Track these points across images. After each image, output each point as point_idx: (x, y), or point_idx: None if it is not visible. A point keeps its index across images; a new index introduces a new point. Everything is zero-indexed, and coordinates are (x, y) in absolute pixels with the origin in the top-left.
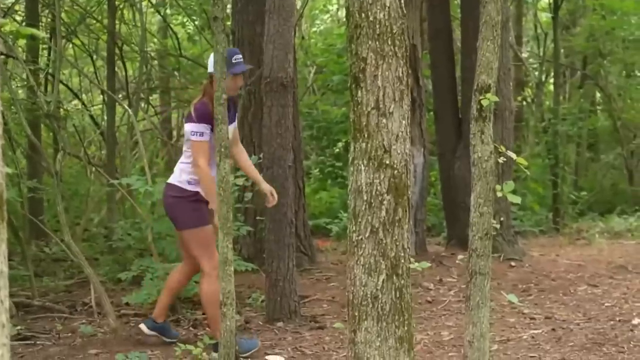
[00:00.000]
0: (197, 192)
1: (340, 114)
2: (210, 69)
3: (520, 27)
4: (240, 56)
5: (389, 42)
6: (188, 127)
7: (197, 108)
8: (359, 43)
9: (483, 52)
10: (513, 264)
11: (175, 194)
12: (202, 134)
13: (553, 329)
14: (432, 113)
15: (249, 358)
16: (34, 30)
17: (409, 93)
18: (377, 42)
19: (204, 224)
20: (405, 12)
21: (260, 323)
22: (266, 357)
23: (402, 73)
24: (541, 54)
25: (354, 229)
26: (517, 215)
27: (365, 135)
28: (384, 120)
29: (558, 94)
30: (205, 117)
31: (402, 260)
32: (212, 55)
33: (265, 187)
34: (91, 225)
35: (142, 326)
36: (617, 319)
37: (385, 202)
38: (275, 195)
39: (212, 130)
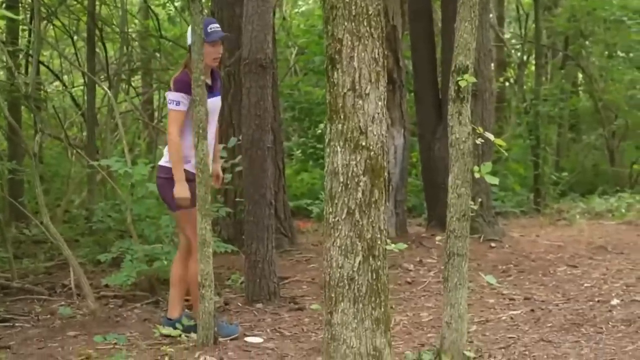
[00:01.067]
0: (186, 171)
1: (322, 95)
2: (189, 41)
3: (502, 7)
4: (217, 25)
5: (365, 24)
6: (168, 97)
7: (177, 78)
8: (335, 24)
9: (461, 33)
10: (493, 244)
11: (163, 175)
12: (178, 103)
13: (532, 310)
14: (412, 94)
15: (227, 340)
16: (8, 14)
17: (385, 74)
18: (353, 24)
19: (194, 205)
20: None
21: (240, 304)
22: (245, 338)
23: (379, 54)
24: (523, 34)
25: (330, 210)
26: (498, 196)
27: (342, 117)
28: (360, 102)
29: (540, 75)
30: (183, 86)
31: (379, 242)
32: (189, 28)
33: (216, 167)
34: (72, 206)
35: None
36: (596, 299)
37: (361, 183)
38: (220, 180)
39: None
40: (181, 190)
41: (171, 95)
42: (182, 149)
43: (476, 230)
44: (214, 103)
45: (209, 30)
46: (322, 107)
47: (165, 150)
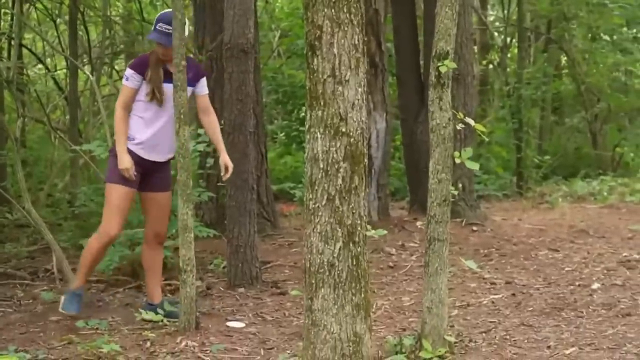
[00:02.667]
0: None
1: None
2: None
3: None
4: (165, 25)
5: (345, 10)
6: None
7: (138, 57)
8: (315, 10)
9: (441, 18)
10: (475, 228)
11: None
12: (127, 79)
13: (513, 294)
14: (395, 78)
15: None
16: None
17: (365, 61)
18: (332, 10)
19: (114, 181)
20: None
21: (222, 289)
22: (227, 323)
23: (358, 40)
24: (506, 17)
25: (310, 197)
26: (481, 179)
27: (322, 104)
28: (340, 88)
29: (522, 58)
30: (137, 65)
31: (359, 228)
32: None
33: (224, 158)
34: (55, 190)
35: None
36: (577, 283)
37: (341, 170)
38: (230, 169)
39: (144, 79)
40: (123, 161)
41: (126, 71)
42: (125, 123)
43: (458, 214)
44: (171, 89)
45: (158, 28)
46: (305, 90)
47: None
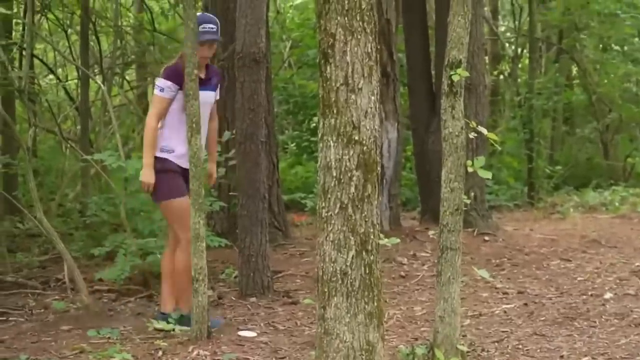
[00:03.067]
0: (166, 160)
1: (316, 89)
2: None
3: (497, 1)
4: (211, 25)
5: (358, 18)
6: (156, 83)
7: (168, 66)
8: (328, 19)
9: (454, 27)
10: (487, 238)
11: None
12: (162, 89)
13: (525, 304)
14: (406, 87)
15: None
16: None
17: (378, 69)
18: (345, 18)
19: (178, 195)
20: None
21: (233, 298)
22: (239, 332)
23: (371, 49)
24: (517, 28)
25: (323, 205)
26: (492, 190)
27: (334, 112)
28: (353, 96)
29: (534, 68)
30: (172, 74)
31: (372, 236)
32: None
33: (211, 168)
34: (66, 200)
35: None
36: (589, 293)
37: (354, 178)
38: (213, 180)
39: (180, 89)
40: (146, 174)
41: (158, 81)
42: (157, 135)
43: (470, 224)
44: (204, 96)
45: (201, 29)
46: (316, 100)
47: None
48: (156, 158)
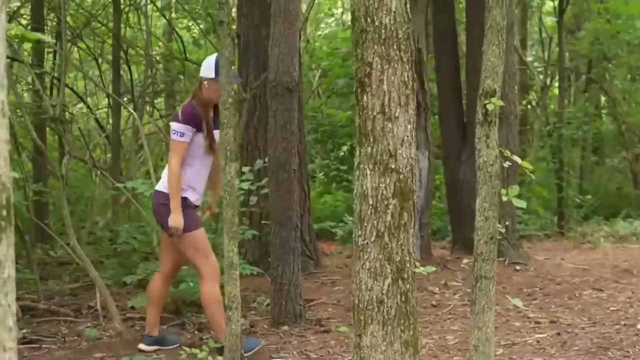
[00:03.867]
0: (186, 198)
1: (345, 118)
2: (202, 73)
3: (525, 30)
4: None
5: (395, 47)
6: (172, 127)
7: (184, 109)
8: (365, 48)
9: (488, 56)
10: (518, 267)
11: (164, 201)
12: (182, 135)
13: (558, 333)
14: (437, 116)
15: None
16: (39, 35)
17: (414, 97)
18: (382, 47)
19: (195, 228)
20: (410, 16)
21: (266, 327)
22: None
23: (408, 77)
24: (546, 57)
25: (359, 233)
26: (522, 219)
27: (371, 140)
28: (390, 125)
29: (563, 98)
30: (190, 118)
31: (408, 265)
32: (206, 59)
33: (212, 202)
34: (96, 228)
35: (142, 346)
36: (622, 323)
37: (390, 206)
38: (209, 214)
39: (197, 131)
40: (176, 220)
41: (176, 126)
42: (181, 179)
43: (501, 254)
44: (215, 135)
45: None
46: (345, 129)
47: (163, 174)
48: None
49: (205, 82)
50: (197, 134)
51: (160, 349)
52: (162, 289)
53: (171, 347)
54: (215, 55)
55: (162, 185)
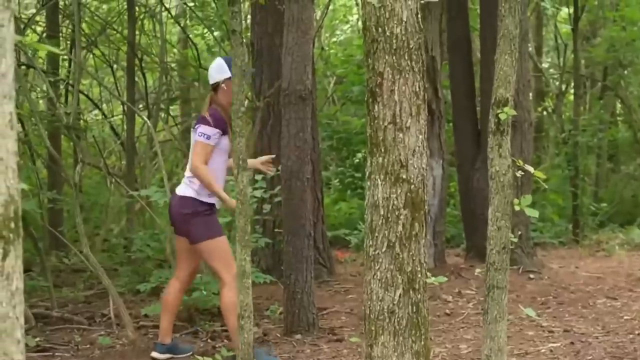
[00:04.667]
0: (213, 205)
1: (360, 125)
2: (215, 78)
3: (541, 37)
4: None
5: (406, 57)
6: (200, 130)
7: (213, 114)
8: (376, 58)
9: (501, 65)
10: (532, 276)
11: (187, 210)
12: (209, 137)
13: (572, 343)
14: (451, 124)
15: None
16: (49, 47)
17: (425, 107)
18: (394, 57)
19: (218, 235)
20: (422, 26)
21: (279, 335)
22: None
23: (419, 88)
24: (561, 64)
25: (370, 243)
26: (536, 227)
27: (382, 150)
28: (401, 135)
29: (578, 105)
30: (219, 123)
31: (419, 275)
32: (212, 66)
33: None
34: (111, 235)
35: (154, 354)
36: (636, 332)
37: (402, 216)
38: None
39: (223, 134)
40: (229, 202)
41: (206, 129)
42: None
43: (515, 262)
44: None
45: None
46: (360, 136)
47: (185, 181)
48: (199, 201)
49: (222, 85)
50: (223, 137)
51: (173, 357)
52: (177, 296)
53: (183, 355)
54: (218, 58)
55: (186, 190)
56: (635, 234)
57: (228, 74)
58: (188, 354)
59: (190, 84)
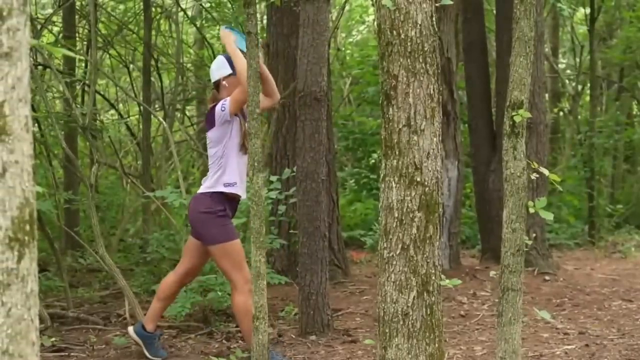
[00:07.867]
0: (229, 203)
1: (376, 126)
2: (216, 76)
3: (557, 38)
4: None
5: (421, 60)
6: (217, 110)
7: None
8: (391, 60)
9: (516, 68)
10: (547, 278)
11: (203, 208)
12: (224, 108)
13: (586, 345)
14: (466, 125)
15: None
16: (63, 50)
17: (440, 110)
18: (408, 60)
19: (232, 239)
20: (436, 29)
21: (293, 336)
22: None
23: (434, 90)
24: (577, 65)
25: (385, 245)
26: (552, 228)
27: (397, 153)
28: (415, 138)
29: (594, 106)
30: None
31: (433, 277)
32: (213, 63)
33: None
34: (127, 236)
35: (130, 328)
36: None
37: (416, 219)
38: None
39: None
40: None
41: (223, 103)
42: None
43: (530, 263)
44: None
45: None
46: (375, 137)
47: (205, 180)
48: (214, 197)
49: (224, 82)
50: (234, 120)
51: (141, 348)
52: (171, 287)
53: (151, 357)
54: (219, 56)
55: (201, 189)
56: None
57: (229, 71)
58: (157, 359)
59: (206, 85)
